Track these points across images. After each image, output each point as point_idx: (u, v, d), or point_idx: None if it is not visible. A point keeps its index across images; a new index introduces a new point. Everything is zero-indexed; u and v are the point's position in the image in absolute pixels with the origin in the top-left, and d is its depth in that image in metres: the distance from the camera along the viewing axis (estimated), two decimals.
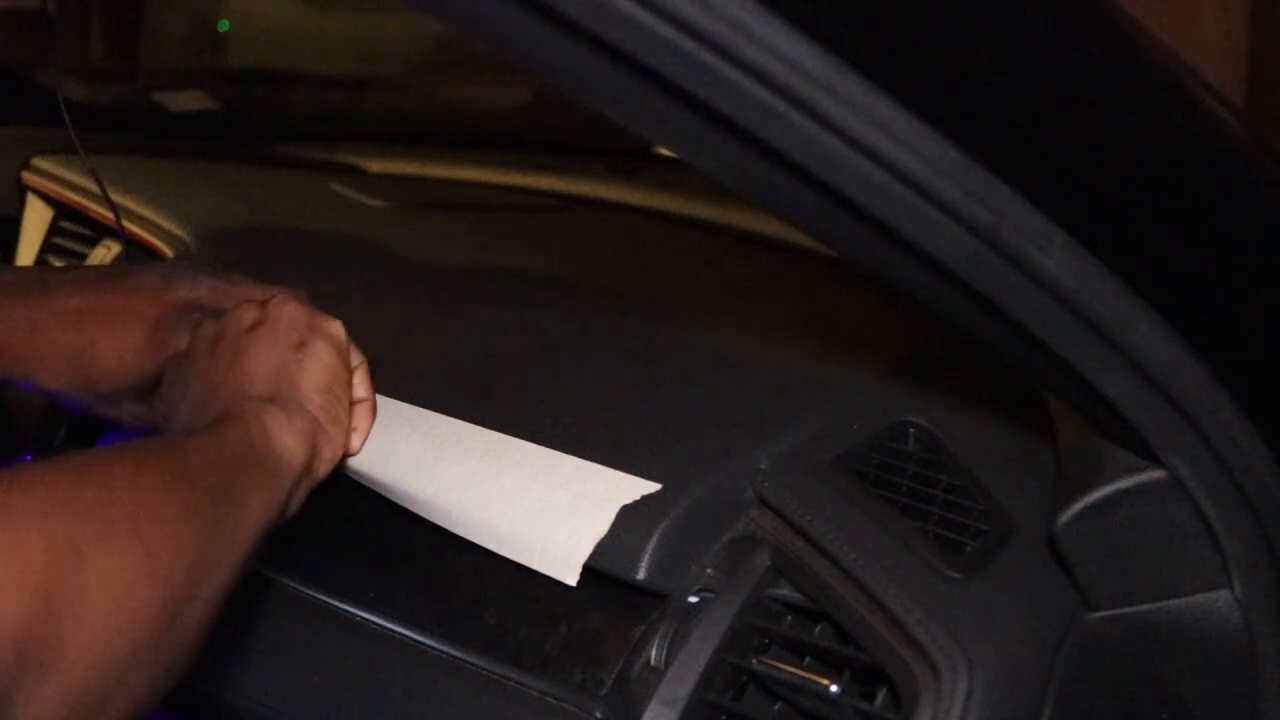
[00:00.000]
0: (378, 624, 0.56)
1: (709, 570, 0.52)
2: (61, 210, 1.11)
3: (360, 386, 0.60)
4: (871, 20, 0.29)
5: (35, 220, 1.13)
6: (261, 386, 0.54)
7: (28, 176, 1.14)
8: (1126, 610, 0.46)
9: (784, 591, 0.51)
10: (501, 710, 0.51)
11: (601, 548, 0.51)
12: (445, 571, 0.58)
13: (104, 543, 0.38)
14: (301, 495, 0.54)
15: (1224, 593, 0.44)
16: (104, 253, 1.01)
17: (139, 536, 0.40)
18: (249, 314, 0.57)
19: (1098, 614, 0.47)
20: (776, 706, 0.49)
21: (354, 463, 0.60)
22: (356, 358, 0.60)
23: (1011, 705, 0.43)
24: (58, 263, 1.08)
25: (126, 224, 0.96)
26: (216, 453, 0.48)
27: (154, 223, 0.96)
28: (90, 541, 0.38)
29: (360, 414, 0.60)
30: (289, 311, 0.57)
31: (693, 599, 0.51)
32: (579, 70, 0.28)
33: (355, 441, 0.60)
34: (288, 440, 0.52)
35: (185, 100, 1.38)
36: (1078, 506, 0.44)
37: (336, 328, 0.58)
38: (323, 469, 0.55)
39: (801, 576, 0.50)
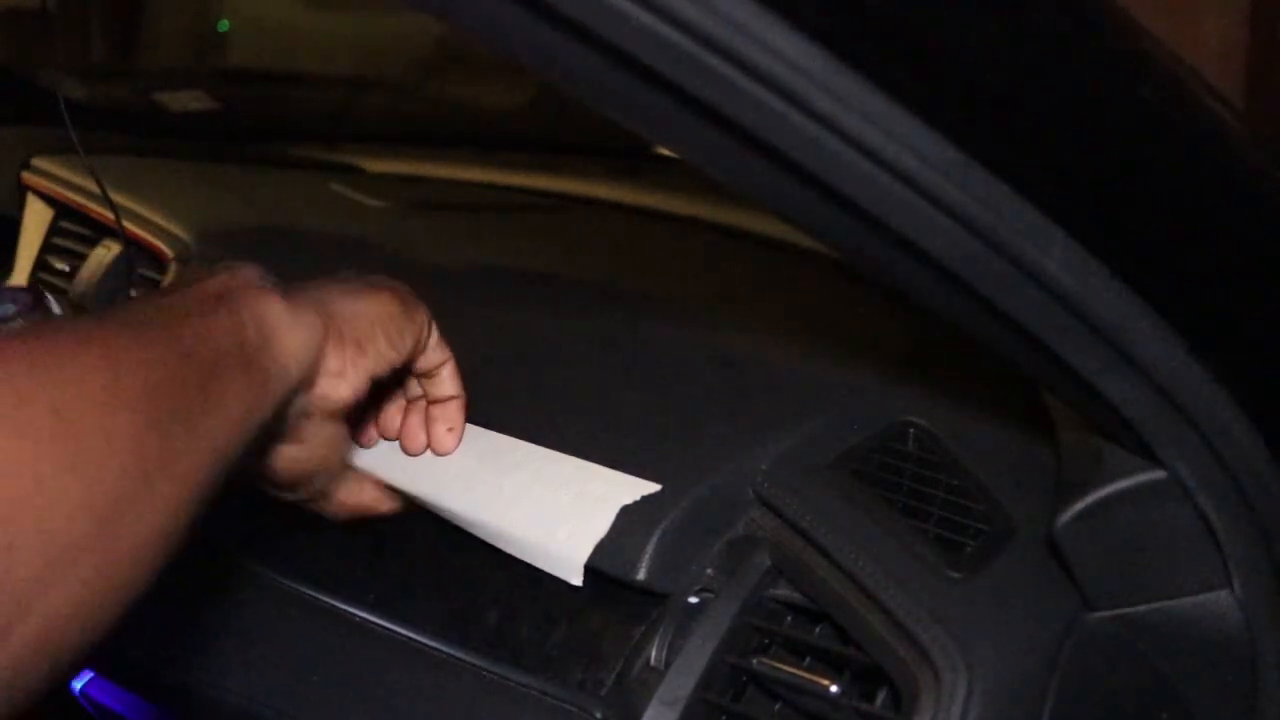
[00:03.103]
0: (378, 624, 0.56)
1: (709, 570, 0.52)
2: (61, 210, 1.11)
3: (449, 383, 0.57)
4: (871, 20, 0.29)
5: (35, 220, 1.13)
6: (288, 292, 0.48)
7: (28, 176, 1.15)
8: (1126, 610, 0.46)
9: (784, 591, 0.51)
10: (501, 710, 0.51)
11: (601, 548, 0.51)
12: (446, 572, 0.58)
13: (10, 423, 0.32)
14: (297, 411, 0.48)
15: (1224, 593, 0.44)
16: (104, 253, 1.01)
17: (60, 420, 0.33)
18: (347, 273, 0.55)
19: (1098, 614, 0.47)
20: (776, 706, 0.49)
21: (358, 463, 0.60)
22: (444, 354, 0.57)
23: (1011, 705, 0.43)
24: (58, 263, 1.08)
25: (126, 224, 0.96)
26: (194, 338, 0.41)
27: (154, 223, 0.96)
28: None
29: (453, 410, 0.58)
30: (384, 276, 0.54)
31: (693, 599, 0.51)
32: (579, 70, 0.28)
33: (449, 442, 0.58)
34: (287, 337, 0.45)
35: (185, 100, 1.37)
36: (1078, 507, 0.44)
37: (423, 308, 0.54)
38: (326, 386, 0.49)
39: (801, 576, 0.50)
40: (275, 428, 0.47)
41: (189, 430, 0.38)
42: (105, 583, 0.35)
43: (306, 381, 0.48)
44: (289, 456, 0.51)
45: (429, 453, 0.59)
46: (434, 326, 0.55)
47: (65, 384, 0.34)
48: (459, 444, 0.58)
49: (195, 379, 0.40)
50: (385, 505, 0.58)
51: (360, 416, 0.57)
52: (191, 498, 0.38)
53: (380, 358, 0.51)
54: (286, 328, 0.46)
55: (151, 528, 0.36)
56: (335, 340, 0.49)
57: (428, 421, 0.58)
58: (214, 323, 0.42)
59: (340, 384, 0.49)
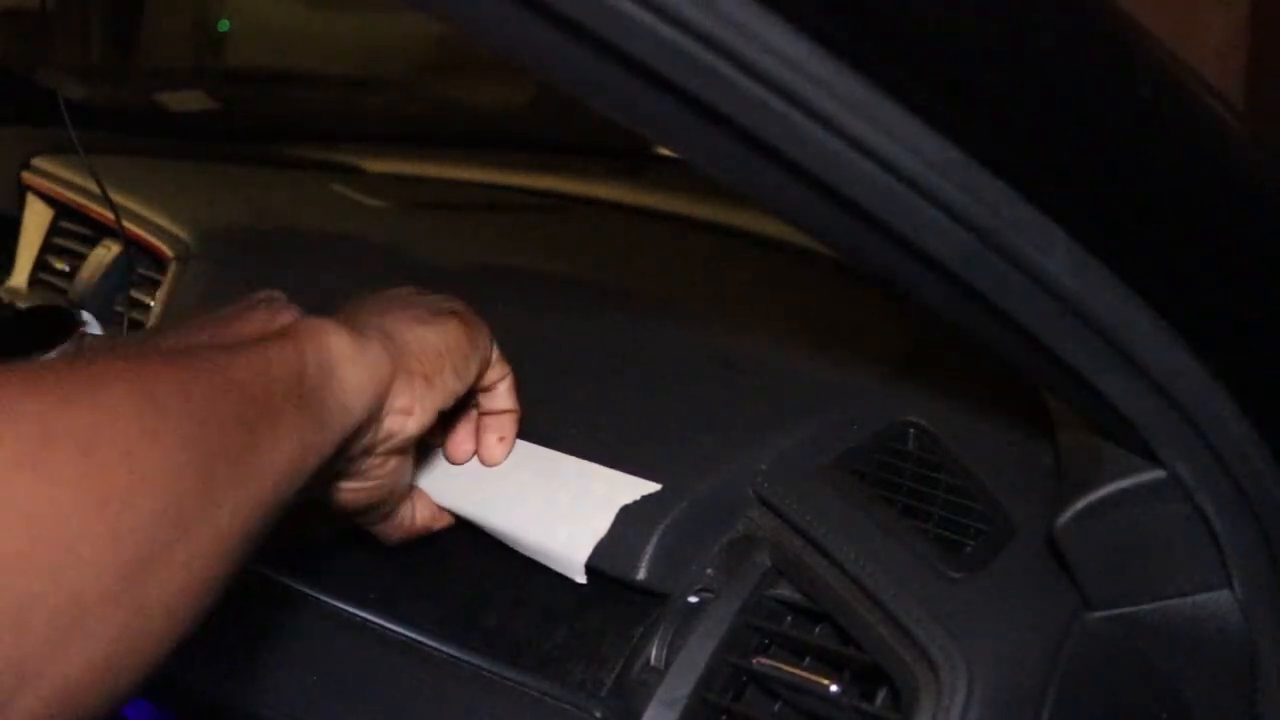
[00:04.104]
0: (378, 624, 0.56)
1: (709, 570, 0.52)
2: (61, 210, 1.11)
3: (507, 397, 0.56)
4: (872, 20, 0.29)
5: (35, 220, 1.13)
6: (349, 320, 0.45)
7: (28, 176, 1.14)
8: (1126, 610, 0.46)
9: (784, 591, 0.51)
10: (501, 710, 0.51)
11: (601, 548, 0.51)
12: (446, 572, 0.58)
13: (34, 461, 0.30)
14: (360, 448, 0.46)
15: (1224, 593, 0.44)
16: (104, 253, 1.01)
17: (89, 461, 0.31)
18: (406, 290, 0.53)
19: (1098, 614, 0.47)
20: (776, 706, 0.49)
21: None
22: (503, 369, 0.55)
23: (1011, 705, 0.43)
24: (58, 263, 1.08)
25: (126, 224, 0.96)
26: (246, 371, 0.38)
27: (154, 223, 0.96)
28: (12, 457, 0.29)
29: (507, 422, 0.57)
30: (446, 297, 0.53)
31: (693, 599, 0.51)
32: (579, 70, 0.28)
33: (499, 452, 0.56)
34: (351, 373, 0.43)
35: (185, 100, 1.37)
36: (1078, 506, 0.44)
37: (485, 329, 0.53)
38: (393, 424, 0.46)
39: (801, 576, 0.50)
40: (337, 465, 0.45)
41: (235, 471, 0.36)
42: (132, 637, 0.32)
43: (372, 418, 0.45)
44: (350, 489, 0.49)
45: (425, 455, 0.59)
46: (494, 344, 0.54)
47: (98, 421, 0.32)
48: (507, 456, 0.57)
49: (244, 415, 0.37)
50: (441, 521, 0.57)
51: None
52: (236, 543, 0.36)
53: (448, 391, 0.49)
54: (351, 363, 0.43)
55: (188, 577, 0.34)
56: (404, 376, 0.47)
57: (479, 430, 0.57)
58: (269, 356, 0.40)
59: (408, 421, 0.47)
